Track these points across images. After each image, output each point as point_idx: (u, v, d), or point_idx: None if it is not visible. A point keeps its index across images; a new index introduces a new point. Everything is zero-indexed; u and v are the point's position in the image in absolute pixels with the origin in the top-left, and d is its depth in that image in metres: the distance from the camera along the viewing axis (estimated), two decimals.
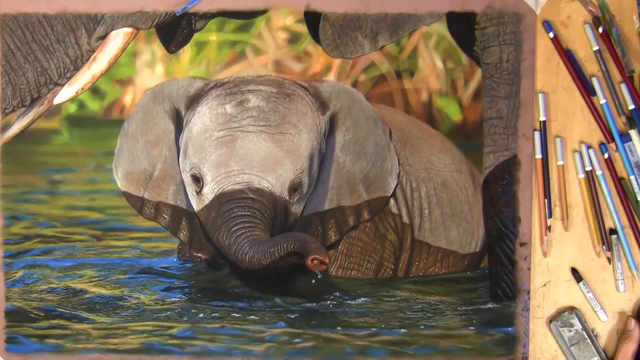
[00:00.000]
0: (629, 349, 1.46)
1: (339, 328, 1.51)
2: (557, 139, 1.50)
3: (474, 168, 1.56)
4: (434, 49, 1.53)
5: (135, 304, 1.53)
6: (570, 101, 1.50)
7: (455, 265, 1.56)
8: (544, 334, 1.51)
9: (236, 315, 1.52)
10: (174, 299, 1.53)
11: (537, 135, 1.49)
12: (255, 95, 1.50)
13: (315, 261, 1.43)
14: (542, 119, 1.49)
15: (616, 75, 1.49)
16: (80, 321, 1.52)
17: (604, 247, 1.50)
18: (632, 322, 1.47)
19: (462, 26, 1.51)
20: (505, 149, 1.50)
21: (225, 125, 1.49)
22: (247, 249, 1.45)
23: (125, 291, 1.53)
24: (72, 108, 1.54)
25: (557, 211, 1.51)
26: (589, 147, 1.50)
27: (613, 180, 1.50)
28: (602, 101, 1.49)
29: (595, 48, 1.48)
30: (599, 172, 1.49)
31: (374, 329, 1.51)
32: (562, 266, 1.50)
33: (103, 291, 1.53)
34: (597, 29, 1.48)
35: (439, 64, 1.53)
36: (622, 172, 1.50)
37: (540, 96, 1.49)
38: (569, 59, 1.49)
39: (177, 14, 1.48)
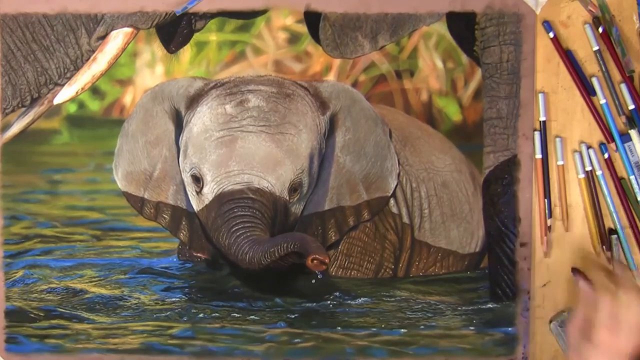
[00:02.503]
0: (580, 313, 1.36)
1: (339, 328, 1.51)
2: (557, 139, 1.50)
3: (474, 168, 1.56)
4: (434, 49, 1.53)
5: (135, 304, 1.53)
6: (570, 101, 1.50)
7: (455, 265, 1.56)
8: (544, 334, 1.51)
9: (236, 315, 1.52)
10: (174, 299, 1.53)
11: (537, 135, 1.49)
12: (255, 95, 1.50)
13: (315, 261, 1.43)
14: (542, 119, 1.49)
15: (616, 75, 1.49)
16: (80, 321, 1.52)
17: (604, 247, 1.50)
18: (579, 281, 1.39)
19: (462, 26, 1.51)
20: (505, 149, 1.50)
21: (225, 125, 1.49)
22: (247, 249, 1.45)
23: (125, 291, 1.54)
24: (72, 108, 1.54)
25: (557, 211, 1.51)
26: (589, 147, 1.50)
27: (613, 180, 1.50)
28: (602, 101, 1.49)
29: (595, 48, 1.48)
30: (599, 172, 1.49)
31: (374, 329, 1.51)
32: (562, 266, 1.50)
33: (103, 291, 1.53)
34: (597, 29, 1.48)
35: (439, 64, 1.53)
36: (622, 172, 1.50)
37: (540, 96, 1.49)
38: (569, 59, 1.49)
39: (177, 14, 1.48)
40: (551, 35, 1.48)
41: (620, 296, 1.31)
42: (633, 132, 1.48)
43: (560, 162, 1.50)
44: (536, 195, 1.50)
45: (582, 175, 1.50)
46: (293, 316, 1.51)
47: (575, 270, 1.43)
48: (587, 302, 1.33)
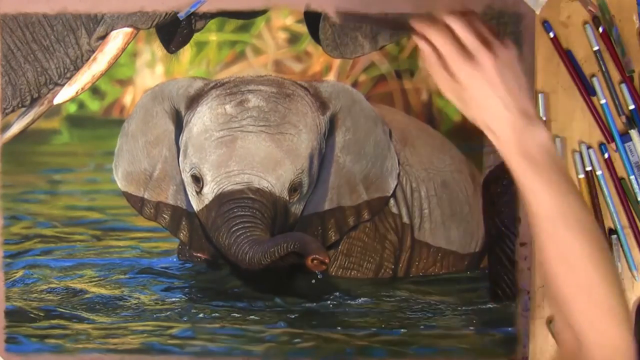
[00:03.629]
0: (434, 66, 1.20)
1: (339, 328, 1.51)
2: (557, 139, 1.50)
3: (474, 168, 1.56)
4: None
5: (135, 304, 1.53)
6: (570, 101, 1.50)
7: (455, 265, 1.56)
8: (544, 334, 1.51)
9: (236, 315, 1.52)
10: (174, 299, 1.53)
11: None
12: (255, 95, 1.50)
13: (315, 261, 1.43)
14: (542, 119, 1.49)
15: (616, 75, 1.49)
16: (80, 321, 1.52)
17: None
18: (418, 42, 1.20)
19: None
20: None
21: (225, 125, 1.49)
22: (247, 249, 1.45)
23: (125, 291, 1.53)
24: (72, 108, 1.54)
25: None
26: (589, 147, 1.50)
27: (613, 180, 1.50)
28: (602, 101, 1.49)
29: (595, 48, 1.48)
30: (599, 172, 1.49)
31: (374, 329, 1.51)
32: None
33: (103, 291, 1.53)
34: (597, 29, 1.48)
35: None
36: (622, 172, 1.50)
37: (540, 96, 1.49)
38: (568, 59, 1.49)
39: (181, 19, 1.48)
40: (551, 35, 1.48)
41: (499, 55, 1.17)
42: (633, 132, 1.48)
43: None
44: None
45: (582, 175, 1.50)
46: (293, 316, 1.51)
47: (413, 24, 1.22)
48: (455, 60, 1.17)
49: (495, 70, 1.16)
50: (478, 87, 1.16)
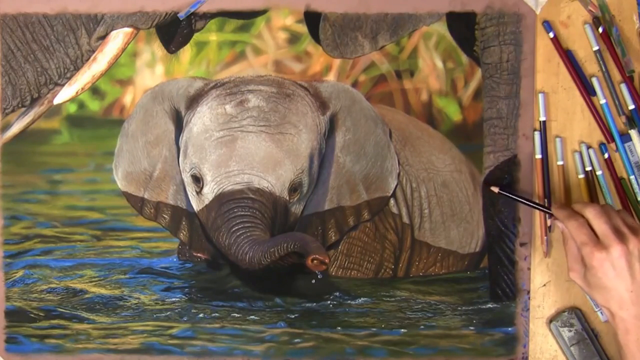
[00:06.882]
0: (569, 247, 1.37)
1: (339, 328, 1.51)
2: (557, 139, 1.50)
3: (474, 168, 1.56)
4: (434, 49, 1.53)
5: (135, 304, 1.53)
6: (570, 101, 1.50)
7: (455, 265, 1.56)
8: (544, 334, 1.51)
9: (236, 315, 1.52)
10: (174, 299, 1.53)
11: (537, 135, 1.49)
12: (255, 95, 1.50)
13: (315, 261, 1.43)
14: (542, 119, 1.49)
15: (616, 75, 1.49)
16: (80, 321, 1.52)
17: None
18: (559, 224, 1.40)
19: (462, 26, 1.51)
20: (505, 149, 1.50)
21: (225, 125, 1.49)
22: (247, 249, 1.45)
23: (125, 291, 1.54)
24: (72, 108, 1.54)
25: None
26: (589, 147, 1.50)
27: (613, 180, 1.50)
28: (602, 101, 1.49)
29: (595, 48, 1.48)
30: (599, 172, 1.49)
31: (374, 329, 1.51)
32: (562, 266, 1.50)
33: (103, 291, 1.53)
34: (597, 29, 1.48)
35: (439, 64, 1.53)
36: (622, 172, 1.50)
37: (540, 96, 1.49)
38: (569, 59, 1.49)
39: (181, 19, 1.48)
40: (551, 35, 1.48)
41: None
42: (633, 132, 1.48)
43: (560, 162, 1.50)
44: (536, 195, 1.50)
45: (582, 175, 1.50)
46: (293, 316, 1.51)
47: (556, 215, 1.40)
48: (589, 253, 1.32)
49: (624, 261, 1.28)
50: (603, 274, 1.29)
